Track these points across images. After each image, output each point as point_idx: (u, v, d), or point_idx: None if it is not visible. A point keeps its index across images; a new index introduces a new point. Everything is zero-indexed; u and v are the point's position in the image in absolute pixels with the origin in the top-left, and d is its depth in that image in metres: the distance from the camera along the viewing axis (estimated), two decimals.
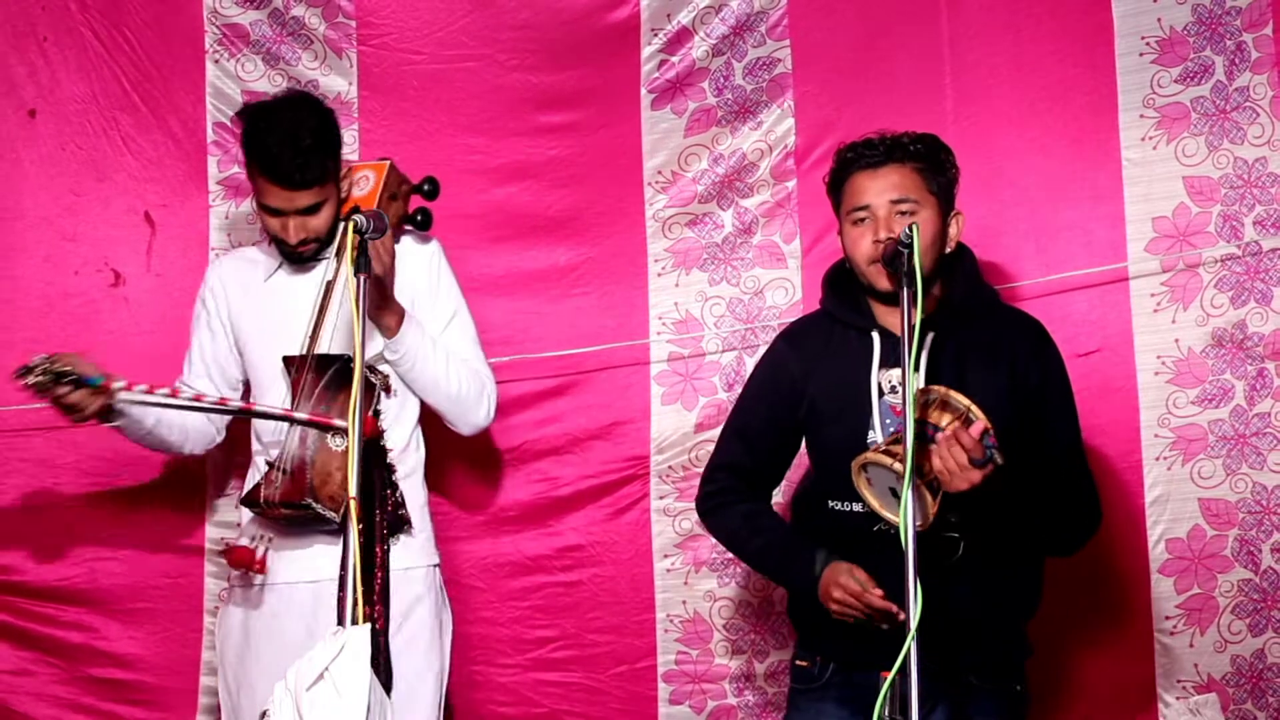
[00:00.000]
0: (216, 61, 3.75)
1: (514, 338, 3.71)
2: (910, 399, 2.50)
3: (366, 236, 2.79)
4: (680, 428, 3.71)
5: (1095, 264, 3.59)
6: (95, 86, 3.74)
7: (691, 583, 3.71)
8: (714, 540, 3.34)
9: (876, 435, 2.83)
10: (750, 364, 3.55)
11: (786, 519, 3.15)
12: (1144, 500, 3.54)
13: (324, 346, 3.08)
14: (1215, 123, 3.54)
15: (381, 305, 3.06)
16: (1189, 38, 3.55)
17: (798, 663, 3.03)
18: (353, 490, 2.60)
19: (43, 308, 3.71)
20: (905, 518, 2.45)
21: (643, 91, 3.76)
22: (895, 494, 2.60)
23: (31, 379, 2.93)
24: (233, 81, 3.75)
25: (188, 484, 3.70)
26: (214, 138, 3.75)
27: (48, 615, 3.66)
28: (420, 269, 3.24)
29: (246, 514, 3.16)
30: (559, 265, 3.77)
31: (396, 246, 3.16)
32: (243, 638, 3.17)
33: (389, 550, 3.07)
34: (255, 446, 3.22)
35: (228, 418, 3.30)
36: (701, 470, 3.16)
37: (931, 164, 2.89)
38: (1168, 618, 3.53)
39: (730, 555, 3.62)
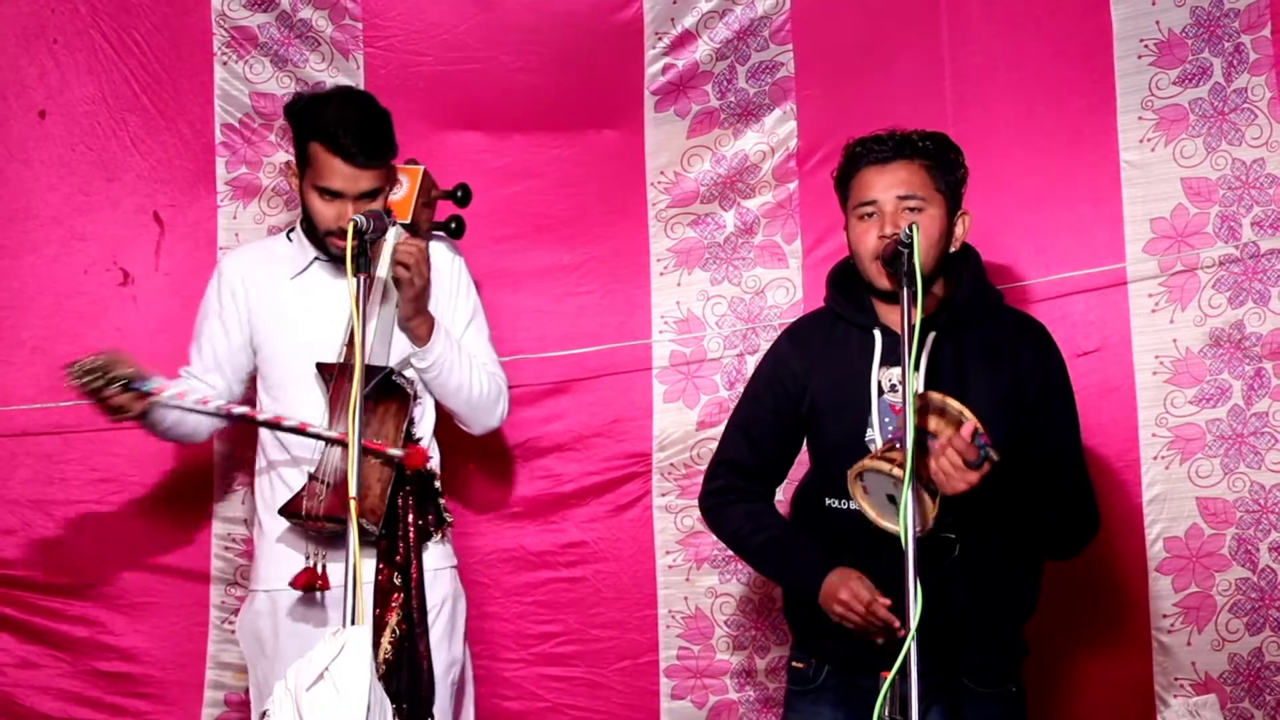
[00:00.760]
0: (225, 64, 3.77)
1: (517, 336, 3.72)
2: (910, 399, 2.49)
3: (366, 237, 2.78)
4: (682, 425, 3.73)
5: (1094, 265, 3.61)
6: (105, 88, 3.76)
7: (693, 579, 3.73)
8: (715, 537, 3.36)
9: (874, 433, 2.83)
10: (751, 363, 3.57)
11: (788, 517, 3.14)
12: (1142, 499, 3.56)
13: (364, 354, 2.97)
14: (1213, 124, 3.56)
15: (416, 314, 3.06)
16: (1187, 40, 3.57)
17: (794, 665, 3.03)
18: (353, 490, 2.60)
19: (52, 306, 3.73)
20: (905, 518, 2.45)
21: (646, 93, 3.78)
22: (893, 501, 2.59)
23: (84, 380, 2.92)
24: (241, 83, 3.77)
25: (193, 479, 3.72)
26: (222, 139, 3.78)
27: (54, 609, 3.68)
28: (442, 271, 3.22)
29: (283, 523, 3.08)
30: (562, 264, 3.79)
31: None
32: (274, 639, 3.13)
33: (423, 555, 3.06)
34: (277, 454, 3.18)
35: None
36: (703, 468, 3.16)
37: (940, 162, 2.88)
38: (1165, 616, 3.54)
39: (732, 552, 3.66)
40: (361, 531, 2.85)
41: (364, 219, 2.80)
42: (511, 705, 3.70)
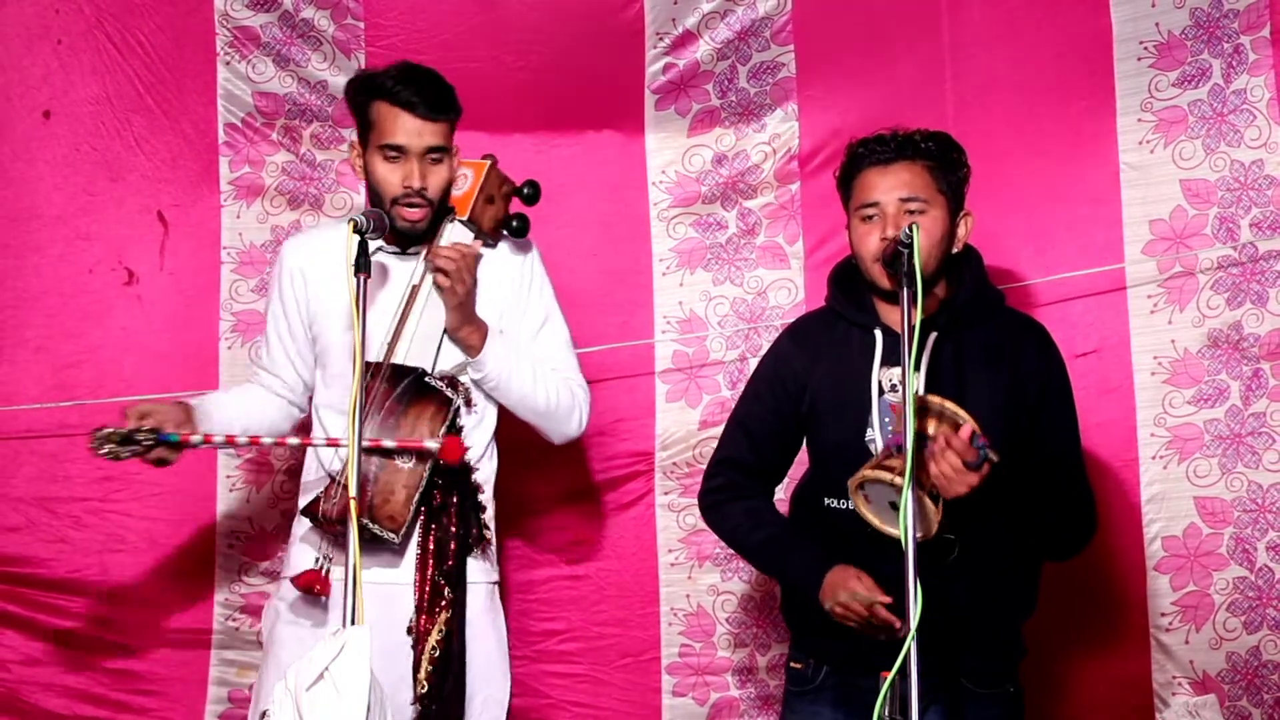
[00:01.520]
0: (228, 63, 3.78)
1: None
2: (910, 401, 2.49)
3: (367, 236, 2.75)
4: (684, 425, 3.75)
5: (1093, 266, 3.62)
6: (109, 88, 3.77)
7: (695, 577, 3.75)
8: (714, 535, 3.38)
9: (875, 433, 2.83)
10: (753, 364, 3.54)
11: (788, 517, 3.13)
12: (1140, 499, 3.57)
13: (401, 354, 2.96)
14: (1212, 126, 3.57)
15: (463, 324, 2.98)
16: (1187, 42, 3.58)
17: (792, 665, 3.03)
18: (353, 490, 2.57)
19: (56, 305, 3.75)
20: (905, 518, 2.44)
21: (646, 93, 3.79)
22: (895, 508, 2.58)
23: (106, 452, 2.88)
24: (244, 83, 3.78)
25: (197, 477, 3.73)
26: (225, 139, 3.79)
27: (58, 606, 3.70)
28: (511, 275, 3.13)
29: (306, 524, 3.01)
30: (563, 263, 3.75)
31: (492, 252, 3.10)
32: (291, 636, 3.01)
33: (464, 567, 2.97)
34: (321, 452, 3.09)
35: (304, 396, 3.18)
36: (705, 467, 3.14)
37: (942, 162, 2.87)
38: (1163, 615, 3.56)
39: (732, 550, 3.68)
40: (376, 538, 2.85)
41: (364, 219, 2.77)
42: (514, 703, 3.64)
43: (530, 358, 3.09)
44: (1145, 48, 3.60)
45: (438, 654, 2.90)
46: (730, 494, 3.03)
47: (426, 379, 2.94)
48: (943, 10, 3.73)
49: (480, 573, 3.04)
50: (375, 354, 2.94)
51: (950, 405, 2.63)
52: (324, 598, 2.93)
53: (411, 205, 2.98)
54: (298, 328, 3.14)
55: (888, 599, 2.66)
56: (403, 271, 3.04)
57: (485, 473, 3.09)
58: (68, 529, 3.71)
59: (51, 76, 3.77)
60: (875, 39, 3.76)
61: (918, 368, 2.79)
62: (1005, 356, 2.88)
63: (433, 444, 2.87)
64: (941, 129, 2.98)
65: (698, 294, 3.79)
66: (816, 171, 3.72)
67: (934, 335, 2.84)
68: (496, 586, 3.12)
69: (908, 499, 2.45)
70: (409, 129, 2.96)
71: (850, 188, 2.93)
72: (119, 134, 3.79)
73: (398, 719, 2.74)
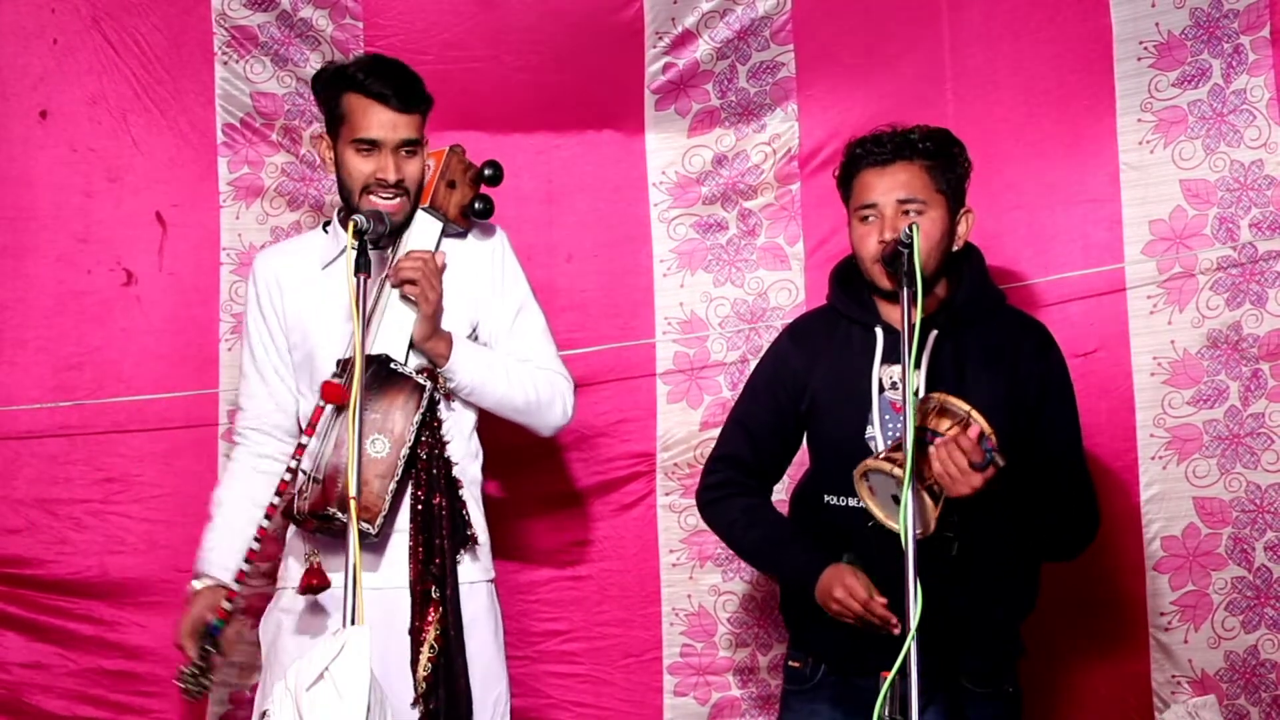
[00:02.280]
0: (225, 63, 3.76)
1: None
2: (910, 398, 2.51)
3: (366, 236, 2.75)
4: (686, 426, 3.75)
5: (1092, 266, 3.62)
6: (106, 88, 3.75)
7: (696, 577, 3.75)
8: (711, 531, 3.39)
9: (875, 431, 2.84)
10: (754, 364, 3.55)
11: (787, 516, 3.14)
12: (1140, 499, 3.58)
13: (370, 343, 2.87)
14: (1212, 126, 3.57)
15: (431, 334, 2.94)
16: (1186, 42, 3.57)
17: (790, 663, 3.05)
18: (353, 490, 2.58)
19: (55, 307, 3.73)
20: (905, 519, 2.46)
21: (646, 93, 3.78)
22: (897, 501, 2.60)
23: (199, 690, 2.96)
24: (242, 83, 3.77)
25: (197, 477, 3.71)
26: (223, 139, 3.78)
27: (59, 608, 3.69)
28: (482, 266, 3.10)
29: (293, 531, 3.01)
30: (563, 264, 3.80)
31: (460, 243, 3.07)
32: (295, 647, 2.94)
33: (456, 568, 2.94)
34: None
35: (293, 424, 3.11)
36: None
37: (940, 161, 2.88)
38: (1162, 614, 3.57)
39: (729, 547, 3.68)
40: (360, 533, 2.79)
41: (364, 219, 2.76)
42: (516, 702, 3.62)
43: (502, 357, 3.06)
44: (1145, 48, 3.60)
45: (436, 653, 2.89)
46: (728, 491, 3.03)
47: (392, 365, 2.90)
48: (942, 10, 3.73)
49: (478, 572, 3.03)
50: (346, 350, 2.92)
51: (954, 400, 2.66)
52: (327, 588, 2.89)
53: (386, 197, 2.95)
54: (280, 337, 3.10)
55: (884, 600, 2.68)
56: (373, 265, 2.96)
57: (469, 472, 3.06)
58: (68, 531, 3.70)
59: (48, 76, 3.75)
60: (875, 38, 3.76)
61: (918, 366, 2.81)
62: (1005, 356, 2.89)
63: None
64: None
65: (698, 295, 3.78)
66: (817, 171, 3.72)
67: (934, 334, 2.85)
68: (494, 584, 3.10)
69: (907, 499, 2.47)
70: (383, 122, 2.94)
71: (849, 188, 2.94)
72: (116, 134, 3.77)
73: None
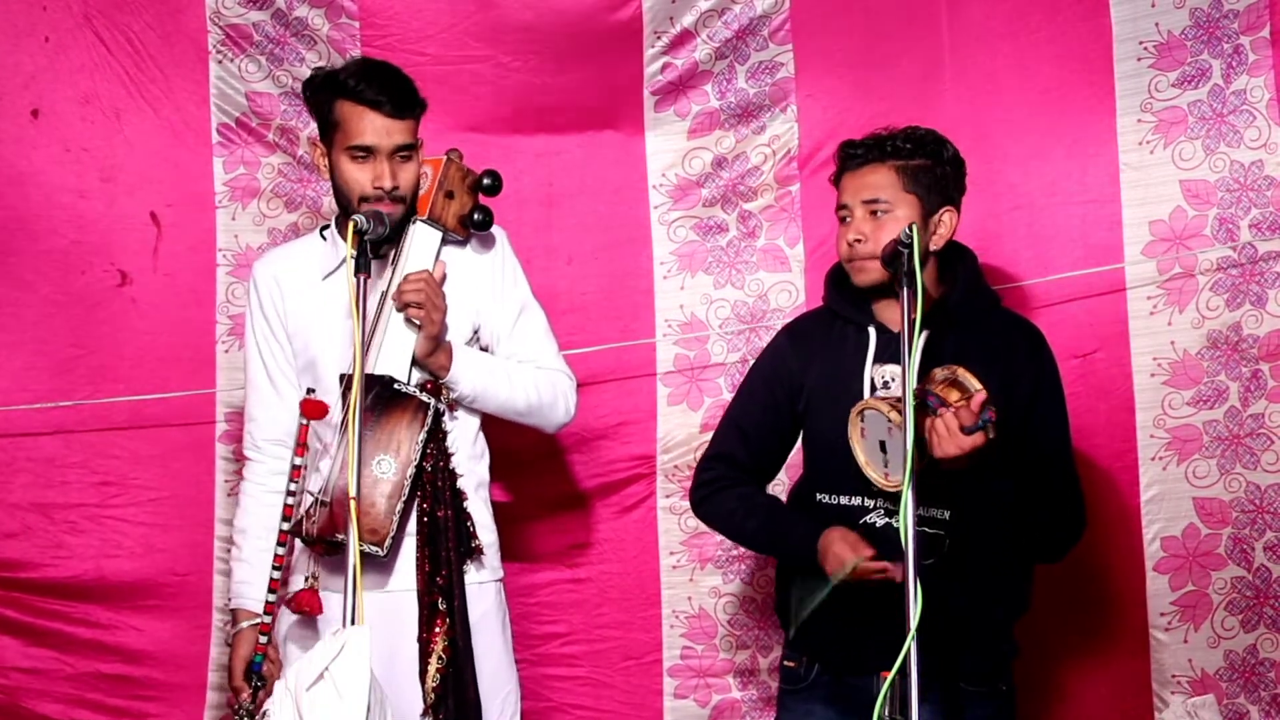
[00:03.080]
0: (220, 62, 3.74)
1: None
2: (909, 396, 2.52)
3: (366, 237, 2.74)
4: (686, 428, 3.75)
5: (1092, 266, 3.62)
6: (99, 87, 3.72)
7: (696, 579, 3.75)
8: (719, 537, 3.39)
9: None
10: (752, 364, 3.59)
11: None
12: (1140, 499, 3.58)
13: (373, 363, 2.89)
14: (1212, 126, 3.56)
15: (434, 350, 2.93)
16: (1186, 42, 3.57)
17: (785, 663, 3.06)
18: (352, 490, 2.57)
19: (50, 308, 3.70)
20: (905, 519, 2.46)
21: (645, 93, 3.77)
22: (884, 449, 2.67)
23: None
24: (236, 82, 3.75)
25: (195, 480, 3.72)
26: (218, 139, 3.76)
27: (56, 612, 3.68)
28: (483, 273, 3.08)
29: (298, 545, 2.99)
30: (563, 267, 3.78)
31: (460, 251, 3.06)
32: (301, 649, 2.93)
33: (463, 579, 2.94)
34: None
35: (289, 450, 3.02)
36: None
37: (916, 162, 2.89)
38: (1162, 614, 3.57)
39: (735, 552, 3.70)
40: (360, 555, 2.73)
41: (364, 219, 2.75)
42: None
43: (502, 361, 3.06)
44: (1145, 48, 3.59)
45: (444, 663, 2.89)
46: (720, 485, 3.05)
47: (396, 386, 2.90)
48: (942, 9, 3.72)
49: (486, 572, 3.04)
50: (347, 365, 2.88)
51: (976, 381, 2.67)
52: (317, 616, 2.90)
53: (386, 199, 2.93)
54: (285, 343, 3.08)
55: (870, 550, 2.71)
56: (378, 279, 2.97)
57: (476, 473, 3.06)
58: (65, 534, 3.68)
59: (39, 74, 3.72)
60: (874, 37, 3.75)
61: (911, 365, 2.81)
62: (998, 357, 2.90)
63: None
64: (941, 128, 3.00)
65: (698, 297, 3.78)
66: (816, 172, 3.71)
67: (926, 333, 2.85)
68: (502, 584, 3.11)
69: (907, 498, 2.46)
70: (377, 128, 2.91)
71: (836, 190, 2.99)
72: (109, 133, 3.74)
73: None
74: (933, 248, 2.90)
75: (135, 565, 3.70)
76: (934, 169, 2.91)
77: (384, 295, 2.95)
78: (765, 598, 3.71)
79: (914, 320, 2.59)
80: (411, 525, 2.93)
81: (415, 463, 2.89)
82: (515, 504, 3.70)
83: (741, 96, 3.78)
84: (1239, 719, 3.55)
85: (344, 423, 2.82)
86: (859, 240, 2.87)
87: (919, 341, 2.81)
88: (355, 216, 2.75)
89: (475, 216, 3.05)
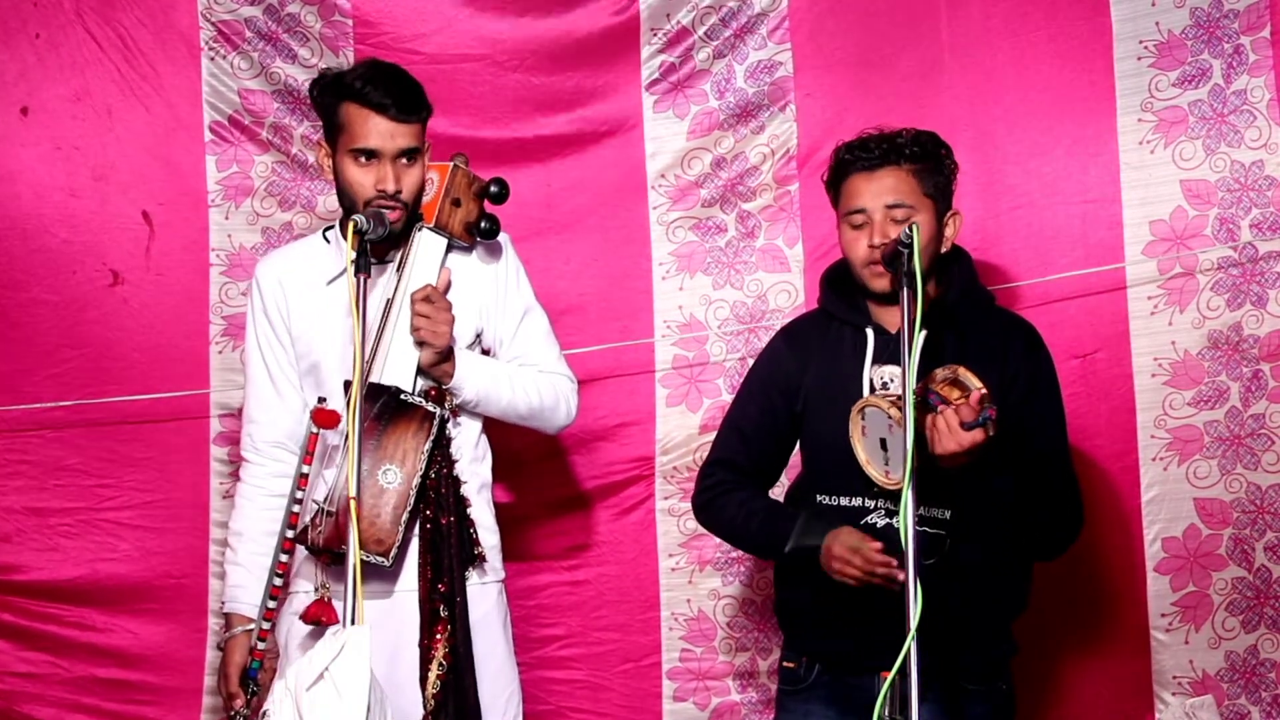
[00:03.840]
0: (212, 59, 3.72)
1: None
2: (910, 397, 2.51)
3: (367, 237, 2.73)
4: (685, 429, 3.73)
5: (1093, 266, 3.61)
6: (90, 84, 3.70)
7: (696, 581, 3.74)
8: (717, 540, 3.37)
9: None
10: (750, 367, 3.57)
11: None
12: (1140, 500, 3.57)
13: (379, 371, 2.90)
14: (1213, 126, 3.55)
15: (437, 363, 2.93)
16: (1187, 41, 3.56)
17: (784, 664, 3.05)
18: (352, 490, 2.56)
19: (41, 309, 3.68)
20: (905, 517, 2.45)
21: (644, 93, 3.76)
22: (884, 448, 2.67)
23: None
24: (229, 79, 3.73)
25: (190, 483, 3.71)
26: (210, 137, 3.74)
27: (51, 615, 3.67)
28: (488, 275, 3.08)
29: (302, 553, 2.96)
30: (562, 267, 3.76)
31: (466, 257, 3.05)
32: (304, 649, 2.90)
33: (465, 586, 2.93)
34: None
35: (297, 445, 3.00)
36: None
37: (928, 165, 2.89)
38: (1163, 615, 3.57)
39: (734, 554, 3.69)
40: (365, 565, 2.73)
41: (364, 219, 2.74)
42: None
43: (504, 365, 3.07)
44: (1145, 47, 3.58)
45: (445, 670, 2.88)
46: (722, 490, 3.04)
47: (403, 396, 2.90)
48: (941, 9, 3.70)
49: (488, 573, 3.04)
50: (351, 370, 2.83)
51: (977, 380, 2.66)
52: (334, 624, 2.84)
53: (386, 208, 2.91)
54: (288, 345, 3.06)
55: (878, 545, 2.70)
56: (373, 289, 2.94)
57: (476, 481, 3.05)
58: (59, 538, 3.67)
59: (29, 72, 3.70)
60: (873, 37, 3.73)
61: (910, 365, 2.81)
62: (994, 356, 2.90)
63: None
64: (940, 128, 3.00)
65: (698, 298, 3.76)
66: (815, 172, 3.64)
67: (924, 334, 2.84)
68: (503, 584, 3.10)
69: (907, 498, 2.46)
70: (382, 131, 2.90)
71: (838, 192, 2.96)
72: (100, 131, 3.72)
73: None
74: (943, 250, 2.90)
75: (130, 568, 3.70)
76: (943, 172, 2.91)
77: (389, 303, 2.94)
78: (765, 600, 3.71)
79: (914, 320, 2.59)
80: (414, 532, 2.92)
81: (421, 473, 2.88)
82: (513, 506, 3.69)
83: (740, 96, 3.76)
84: None
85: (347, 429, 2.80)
86: (885, 245, 2.81)
87: (919, 341, 2.81)
88: (355, 216, 2.75)
89: (482, 225, 3.03)
